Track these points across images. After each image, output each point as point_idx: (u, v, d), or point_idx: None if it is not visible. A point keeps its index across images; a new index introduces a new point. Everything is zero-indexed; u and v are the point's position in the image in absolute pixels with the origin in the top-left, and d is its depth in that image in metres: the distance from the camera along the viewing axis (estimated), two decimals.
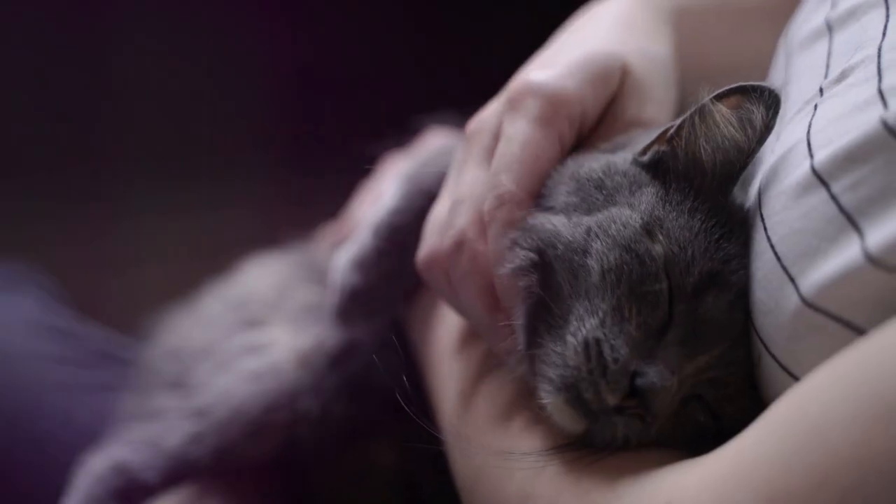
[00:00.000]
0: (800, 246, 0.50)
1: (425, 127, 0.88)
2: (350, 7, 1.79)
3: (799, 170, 0.52)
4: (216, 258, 0.96)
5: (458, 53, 1.72)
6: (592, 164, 0.61)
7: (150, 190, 1.63)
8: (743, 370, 0.56)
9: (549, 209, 0.60)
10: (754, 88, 0.57)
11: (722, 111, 0.57)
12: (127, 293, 1.43)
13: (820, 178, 0.50)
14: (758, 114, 0.56)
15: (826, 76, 0.56)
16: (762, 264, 0.53)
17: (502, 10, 1.71)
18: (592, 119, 0.65)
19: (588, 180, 0.60)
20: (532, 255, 0.58)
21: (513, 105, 0.63)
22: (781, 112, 0.57)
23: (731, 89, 0.57)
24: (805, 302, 0.49)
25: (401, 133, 0.88)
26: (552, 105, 0.62)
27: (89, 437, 0.84)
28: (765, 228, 0.53)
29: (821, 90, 0.55)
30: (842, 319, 0.48)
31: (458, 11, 1.76)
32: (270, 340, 0.82)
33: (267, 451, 0.79)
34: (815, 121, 0.53)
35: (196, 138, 1.70)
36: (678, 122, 0.58)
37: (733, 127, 0.57)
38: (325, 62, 1.78)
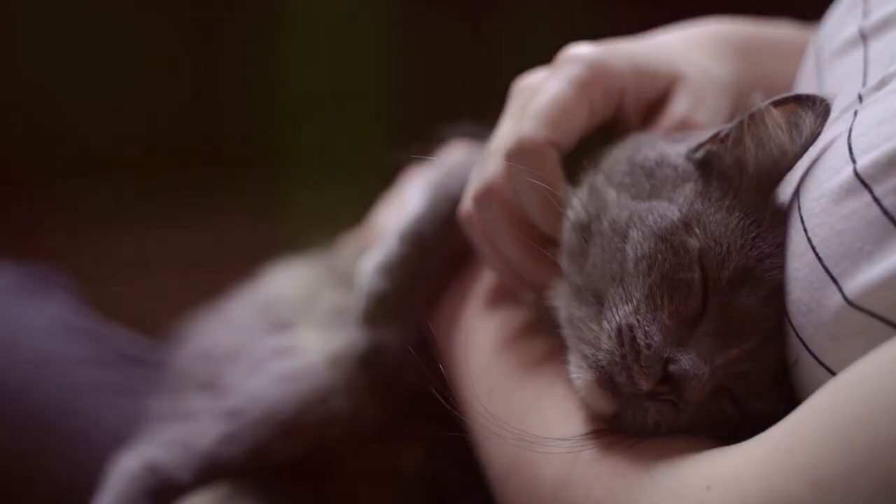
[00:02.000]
0: (842, 247, 0.52)
1: (448, 137, 0.90)
2: (361, 14, 1.79)
3: (841, 174, 0.53)
4: (229, 266, 0.97)
5: (474, 62, 1.73)
6: (648, 151, 0.63)
7: (164, 197, 1.64)
8: (772, 367, 0.57)
9: (608, 179, 0.63)
10: (808, 97, 0.59)
11: (773, 115, 0.59)
12: (141, 300, 1.43)
13: (863, 181, 0.51)
14: (807, 120, 0.58)
15: (864, 84, 0.58)
16: (802, 265, 0.55)
17: (524, 15, 1.72)
18: (631, 108, 0.68)
19: (641, 167, 0.62)
20: (585, 216, 0.61)
21: (555, 67, 0.67)
22: None
23: (786, 97, 0.59)
24: (849, 302, 0.50)
25: (420, 143, 0.90)
26: (591, 71, 0.65)
27: (118, 437, 0.84)
28: (805, 230, 0.55)
29: (860, 97, 0.57)
30: (886, 319, 0.49)
31: (474, 17, 1.77)
32: (300, 343, 0.83)
33: (298, 451, 0.80)
34: (856, 126, 0.55)
35: (209, 145, 1.70)
36: (731, 124, 0.61)
37: (781, 130, 0.59)
38: (335, 70, 1.79)
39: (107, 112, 1.71)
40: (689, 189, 0.60)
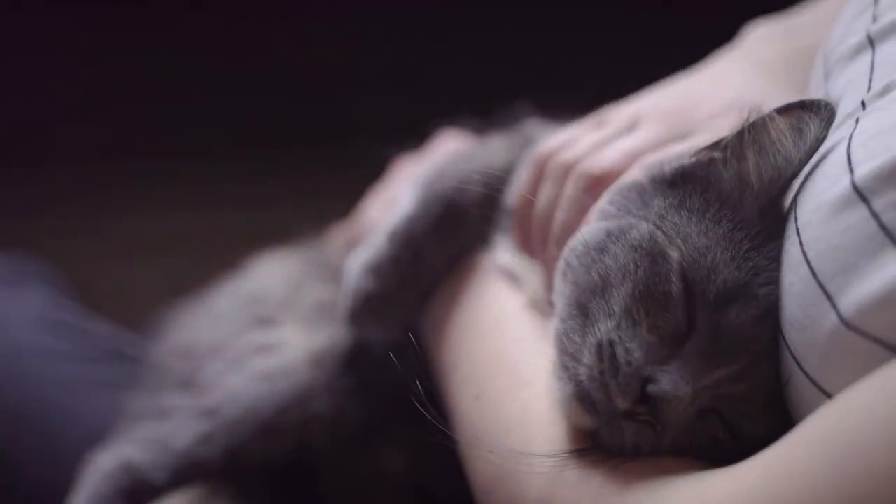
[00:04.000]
0: (838, 263, 0.49)
1: (438, 130, 0.88)
2: (357, 6, 1.78)
3: (838, 184, 0.50)
4: (220, 253, 0.96)
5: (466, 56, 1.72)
6: (627, 179, 0.62)
7: (155, 184, 1.63)
8: (765, 388, 0.54)
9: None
10: (812, 102, 0.56)
11: (777, 123, 0.57)
12: (130, 286, 1.42)
13: (861, 193, 0.48)
14: (811, 125, 0.56)
15: (868, 90, 0.55)
16: (797, 279, 0.52)
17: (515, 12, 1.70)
18: None
19: (617, 191, 0.61)
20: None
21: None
22: None
23: (791, 104, 0.57)
24: (843, 322, 0.48)
25: (409, 135, 0.88)
26: None
27: (97, 433, 0.83)
28: (800, 242, 0.52)
29: (863, 104, 0.54)
30: (881, 341, 0.46)
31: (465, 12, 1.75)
32: (283, 340, 0.81)
33: (277, 452, 0.78)
34: (857, 134, 0.52)
35: (201, 135, 1.69)
36: (735, 131, 0.58)
37: (785, 137, 0.56)
38: (328, 61, 1.77)
39: (97, 98, 1.70)
40: (668, 200, 0.57)
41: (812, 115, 0.56)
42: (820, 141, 0.55)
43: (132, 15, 1.72)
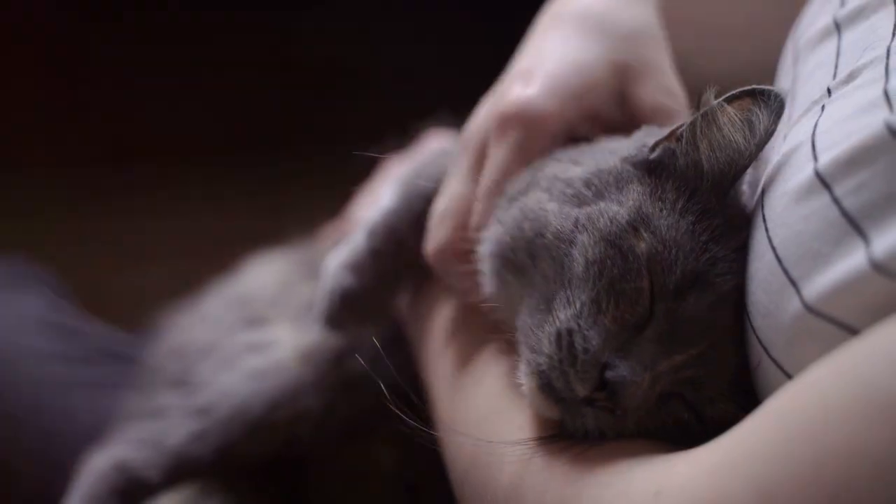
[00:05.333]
0: (801, 249, 0.49)
1: (425, 129, 0.88)
2: (356, 8, 1.78)
3: (803, 172, 0.51)
4: (219, 255, 0.96)
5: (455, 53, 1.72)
6: (577, 168, 0.61)
7: (155, 187, 1.63)
8: (726, 373, 0.55)
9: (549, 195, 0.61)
10: (763, 92, 0.56)
11: (728, 113, 0.57)
12: (132, 288, 1.43)
13: (823, 180, 0.49)
14: (761, 118, 0.56)
15: (834, 76, 0.55)
16: (762, 266, 0.52)
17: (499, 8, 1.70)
18: (594, 127, 0.66)
19: (579, 179, 0.60)
20: (520, 238, 0.60)
21: (499, 130, 0.66)
22: (789, 113, 0.57)
23: (742, 91, 0.57)
24: (807, 307, 0.48)
25: (401, 134, 0.88)
26: (532, 133, 0.65)
27: (92, 434, 0.84)
28: (766, 230, 0.53)
29: (829, 90, 0.55)
30: (845, 325, 0.47)
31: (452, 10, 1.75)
32: (273, 338, 0.82)
33: (268, 449, 0.79)
34: (822, 122, 0.52)
35: (199, 137, 1.69)
36: (687, 121, 0.58)
37: (735, 129, 0.57)
38: (327, 62, 1.78)
39: (94, 101, 1.71)
40: (639, 190, 0.58)
41: (762, 105, 0.56)
42: (770, 134, 0.56)
43: (132, 16, 1.72)
